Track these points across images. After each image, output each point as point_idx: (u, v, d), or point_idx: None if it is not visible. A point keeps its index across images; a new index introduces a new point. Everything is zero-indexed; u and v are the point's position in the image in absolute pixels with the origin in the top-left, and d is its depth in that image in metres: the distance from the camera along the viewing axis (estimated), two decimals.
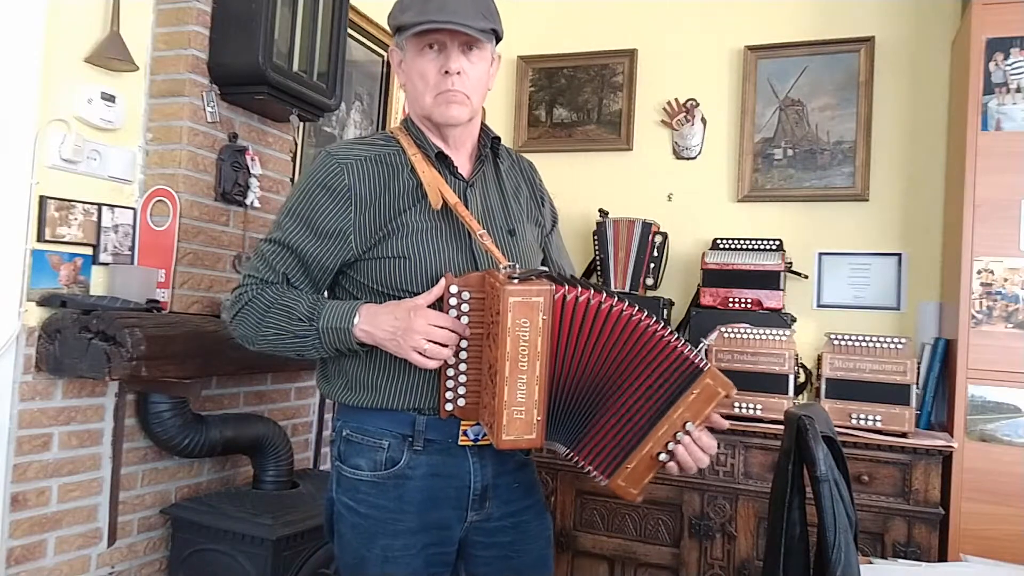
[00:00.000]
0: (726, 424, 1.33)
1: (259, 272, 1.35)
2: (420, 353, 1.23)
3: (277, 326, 1.30)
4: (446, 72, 1.31)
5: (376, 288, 1.34)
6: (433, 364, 1.25)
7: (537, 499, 1.47)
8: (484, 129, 1.46)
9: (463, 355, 1.27)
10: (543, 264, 1.55)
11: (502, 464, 1.39)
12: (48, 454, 1.81)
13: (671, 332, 1.27)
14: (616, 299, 1.25)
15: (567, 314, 1.23)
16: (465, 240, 1.36)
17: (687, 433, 1.27)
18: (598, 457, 1.30)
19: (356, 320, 1.27)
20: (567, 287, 1.23)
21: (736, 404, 2.49)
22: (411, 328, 1.23)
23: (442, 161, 1.38)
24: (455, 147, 1.41)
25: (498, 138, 1.48)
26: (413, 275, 1.32)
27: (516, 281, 1.20)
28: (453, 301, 1.26)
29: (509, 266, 1.25)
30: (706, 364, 1.28)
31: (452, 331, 1.24)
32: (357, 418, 1.37)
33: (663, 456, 1.28)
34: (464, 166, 1.43)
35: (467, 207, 1.36)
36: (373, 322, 1.27)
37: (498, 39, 1.39)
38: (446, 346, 1.24)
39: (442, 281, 1.27)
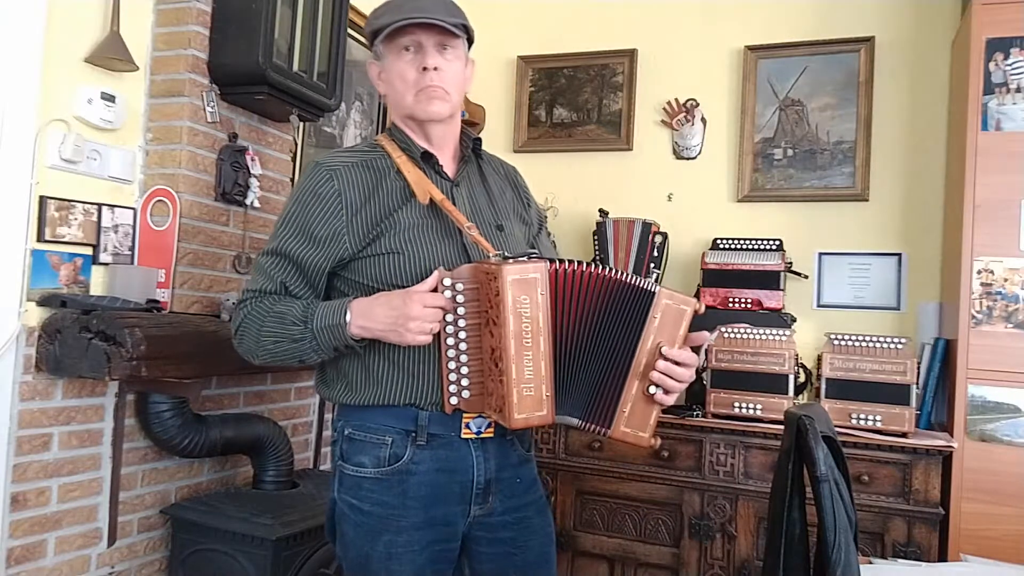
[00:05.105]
0: (709, 336, 1.36)
1: (257, 284, 1.38)
2: (425, 334, 1.26)
3: (274, 333, 1.33)
4: (424, 69, 1.36)
5: (370, 284, 1.36)
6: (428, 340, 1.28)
7: (539, 495, 1.49)
8: (464, 131, 1.50)
9: (463, 346, 1.29)
10: None
11: (505, 458, 1.41)
12: (48, 454, 1.81)
13: (624, 273, 1.30)
14: (599, 267, 1.29)
15: (560, 287, 1.27)
16: (456, 236, 1.38)
17: (664, 358, 1.28)
18: (595, 412, 1.32)
19: (348, 317, 1.29)
20: (558, 263, 1.27)
21: (736, 404, 2.49)
22: (408, 314, 1.25)
23: (427, 161, 1.42)
24: (439, 147, 1.45)
25: (479, 139, 1.52)
26: (406, 269, 1.34)
27: (511, 261, 1.24)
28: (448, 293, 1.28)
29: (498, 254, 1.29)
30: (655, 287, 1.29)
31: (445, 309, 1.28)
32: (359, 416, 1.38)
33: (652, 389, 1.29)
34: (449, 166, 1.46)
35: (454, 205, 1.39)
36: (368, 315, 1.28)
37: (470, 42, 1.45)
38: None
39: (435, 274, 1.29)
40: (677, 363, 1.29)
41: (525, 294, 1.22)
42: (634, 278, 1.30)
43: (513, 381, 1.22)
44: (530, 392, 1.23)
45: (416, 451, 1.34)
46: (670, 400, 1.31)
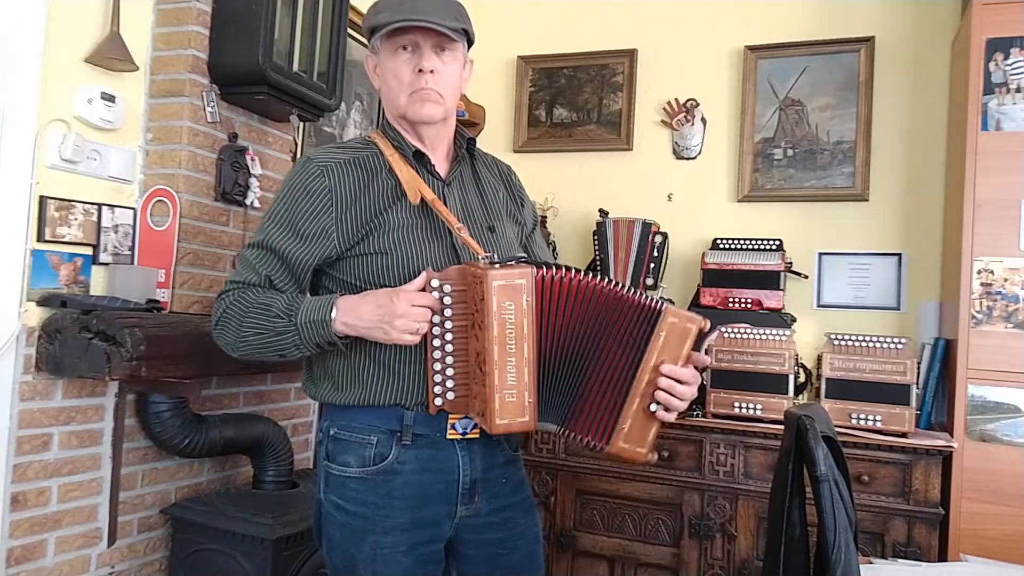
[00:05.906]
0: (707, 360, 1.35)
1: (241, 276, 1.36)
2: (412, 334, 1.25)
3: (257, 325, 1.30)
4: (420, 71, 1.35)
5: (356, 284, 1.35)
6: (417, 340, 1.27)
7: (525, 496, 1.48)
8: (459, 131, 1.49)
9: (449, 348, 1.29)
10: None
11: (490, 458, 1.40)
12: (48, 454, 1.81)
13: (629, 289, 1.28)
14: (590, 276, 1.28)
15: (547, 294, 1.26)
16: (445, 236, 1.38)
17: (666, 376, 1.27)
18: (592, 426, 1.31)
19: (334, 313, 1.27)
20: (546, 269, 1.26)
21: (736, 404, 2.49)
22: (395, 313, 1.24)
23: (419, 160, 1.41)
24: (431, 147, 1.44)
25: (473, 139, 1.51)
26: (394, 270, 1.33)
27: (498, 266, 1.23)
28: (435, 294, 1.28)
29: (487, 257, 1.28)
30: (663, 304, 1.28)
31: (433, 309, 1.27)
32: (344, 416, 1.37)
33: (653, 407, 1.28)
34: (441, 166, 1.45)
35: (445, 205, 1.38)
36: (354, 313, 1.27)
37: (470, 43, 1.43)
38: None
39: (423, 274, 1.28)
40: (679, 381, 1.27)
41: (510, 300, 1.21)
42: (639, 294, 1.28)
43: (496, 386, 1.21)
44: (512, 398, 1.22)
45: (401, 451, 1.33)
46: (671, 417, 1.29)
